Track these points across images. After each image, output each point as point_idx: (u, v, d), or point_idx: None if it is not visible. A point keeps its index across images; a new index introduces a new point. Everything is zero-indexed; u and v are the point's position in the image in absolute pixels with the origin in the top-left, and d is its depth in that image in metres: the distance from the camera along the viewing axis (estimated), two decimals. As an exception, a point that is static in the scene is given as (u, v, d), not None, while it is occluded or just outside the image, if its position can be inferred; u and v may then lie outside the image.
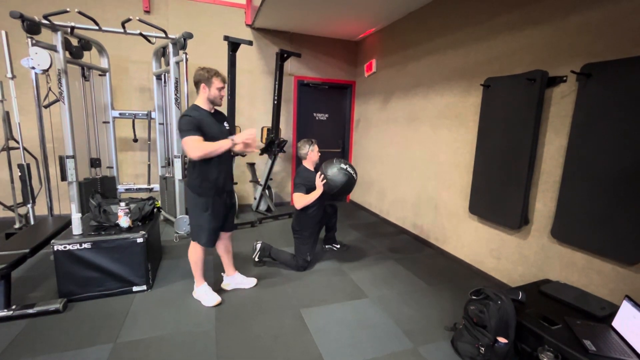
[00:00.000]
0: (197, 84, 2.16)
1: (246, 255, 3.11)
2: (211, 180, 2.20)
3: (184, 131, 2.04)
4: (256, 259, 3.01)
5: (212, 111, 2.24)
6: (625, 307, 1.68)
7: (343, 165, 2.77)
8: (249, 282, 2.65)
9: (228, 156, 2.29)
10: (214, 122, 2.19)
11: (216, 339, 2.00)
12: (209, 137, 2.10)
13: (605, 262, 2.06)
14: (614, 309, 1.81)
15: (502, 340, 1.72)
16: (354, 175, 2.81)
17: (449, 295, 2.60)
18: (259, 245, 3.01)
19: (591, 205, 2.08)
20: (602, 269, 2.08)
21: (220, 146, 2.10)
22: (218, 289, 2.52)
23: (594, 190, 2.06)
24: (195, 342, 1.97)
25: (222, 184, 2.27)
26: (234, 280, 2.62)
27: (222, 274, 2.66)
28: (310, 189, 2.83)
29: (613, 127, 1.96)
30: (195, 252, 2.33)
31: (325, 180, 2.75)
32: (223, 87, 2.18)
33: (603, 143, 2.01)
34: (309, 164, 2.98)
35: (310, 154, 2.96)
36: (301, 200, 2.78)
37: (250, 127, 4.76)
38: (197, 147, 2.04)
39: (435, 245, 3.56)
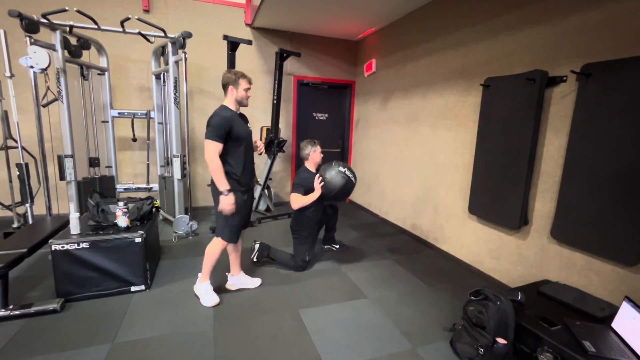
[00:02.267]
0: (225, 87, 2.24)
1: (244, 255, 3.10)
2: (238, 178, 2.26)
3: (212, 132, 2.09)
4: (254, 259, 3.00)
5: (238, 112, 2.32)
6: (625, 308, 1.67)
7: (342, 169, 2.75)
8: (254, 283, 2.64)
9: (252, 155, 2.37)
10: (242, 123, 2.29)
11: (214, 339, 1.99)
12: (238, 137, 2.19)
13: (604, 262, 2.06)
14: (613, 310, 1.80)
15: (501, 341, 1.71)
16: (353, 178, 2.79)
17: (448, 296, 2.60)
18: (257, 245, 3.00)
19: (591, 205, 2.07)
20: (601, 269, 2.07)
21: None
22: (218, 289, 2.50)
23: (594, 191, 2.05)
24: (193, 342, 1.96)
25: (247, 181, 2.34)
26: (238, 280, 2.61)
27: (226, 273, 2.65)
28: (308, 190, 2.81)
29: (613, 127, 1.96)
30: (215, 247, 2.35)
31: (323, 183, 2.74)
32: (249, 88, 2.25)
33: (603, 143, 2.00)
34: (310, 164, 2.97)
35: (313, 154, 2.94)
36: (298, 201, 2.77)
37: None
38: (213, 158, 2.10)
39: (434, 245, 3.56)
